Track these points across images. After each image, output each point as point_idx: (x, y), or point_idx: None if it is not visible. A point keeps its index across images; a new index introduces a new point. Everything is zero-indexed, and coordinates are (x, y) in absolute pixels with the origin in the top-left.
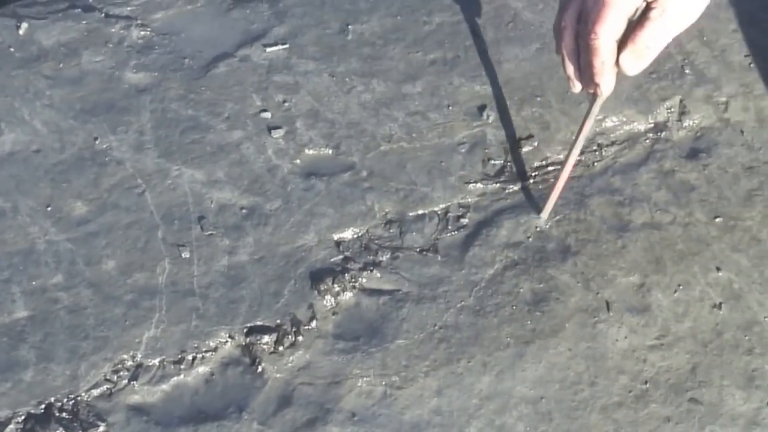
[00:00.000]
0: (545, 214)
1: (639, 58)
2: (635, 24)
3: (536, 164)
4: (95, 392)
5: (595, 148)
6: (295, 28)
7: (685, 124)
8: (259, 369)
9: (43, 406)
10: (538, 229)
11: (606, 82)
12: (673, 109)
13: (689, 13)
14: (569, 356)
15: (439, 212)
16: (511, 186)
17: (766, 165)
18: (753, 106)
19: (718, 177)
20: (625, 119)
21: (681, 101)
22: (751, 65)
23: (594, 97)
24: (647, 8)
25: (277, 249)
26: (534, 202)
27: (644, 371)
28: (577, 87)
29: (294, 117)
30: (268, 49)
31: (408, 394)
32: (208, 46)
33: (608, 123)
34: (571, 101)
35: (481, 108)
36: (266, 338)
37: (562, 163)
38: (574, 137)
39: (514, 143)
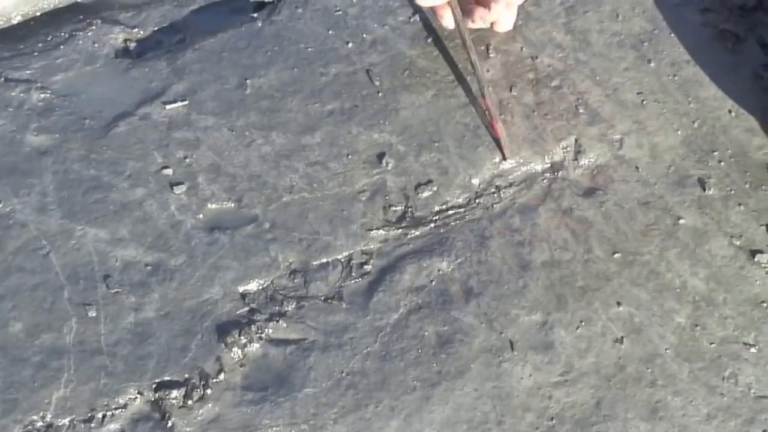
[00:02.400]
0: (509, 155)
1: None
2: None
3: (437, 209)
4: None
5: (493, 190)
6: (194, 84)
7: (581, 162)
8: (169, 424)
9: None
10: (440, 272)
11: None
12: (568, 149)
13: None
14: (475, 396)
15: (342, 260)
16: (412, 231)
17: (662, 200)
18: (647, 142)
19: (615, 213)
20: (522, 160)
21: (576, 140)
22: (644, 102)
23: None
24: None
25: (183, 304)
26: (436, 246)
27: (550, 408)
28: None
29: (195, 172)
30: (168, 107)
31: None
32: (108, 105)
33: (505, 165)
34: (469, 146)
35: (380, 156)
36: (175, 393)
37: (485, 101)
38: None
39: (413, 189)
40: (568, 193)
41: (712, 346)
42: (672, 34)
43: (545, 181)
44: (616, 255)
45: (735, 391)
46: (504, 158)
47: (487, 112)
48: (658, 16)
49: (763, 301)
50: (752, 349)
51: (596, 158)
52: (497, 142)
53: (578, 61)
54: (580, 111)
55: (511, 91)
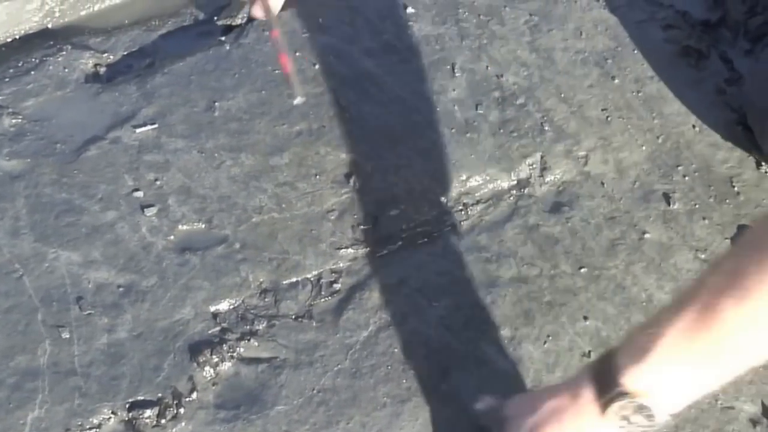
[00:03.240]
0: (299, 93)
1: None
2: None
3: (403, 227)
4: None
5: (461, 207)
6: (163, 107)
7: (547, 179)
8: None
9: None
10: (409, 289)
11: None
12: (534, 166)
13: None
14: (446, 413)
15: (312, 279)
16: (380, 250)
17: (627, 214)
18: (612, 158)
19: (581, 229)
20: (488, 178)
21: (542, 157)
22: (609, 119)
23: None
24: None
25: (155, 324)
26: (396, 265)
27: None
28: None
29: (166, 194)
30: (138, 130)
31: None
32: (79, 130)
33: (472, 182)
34: (436, 163)
35: (348, 175)
36: (148, 412)
37: (273, 33)
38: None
39: (381, 208)
40: (535, 209)
41: None
42: (635, 51)
43: (511, 198)
44: (582, 270)
45: (702, 402)
46: (294, 96)
47: (275, 45)
48: (621, 33)
49: None
50: None
51: (562, 174)
52: (287, 78)
53: (543, 79)
54: (546, 128)
55: (477, 109)
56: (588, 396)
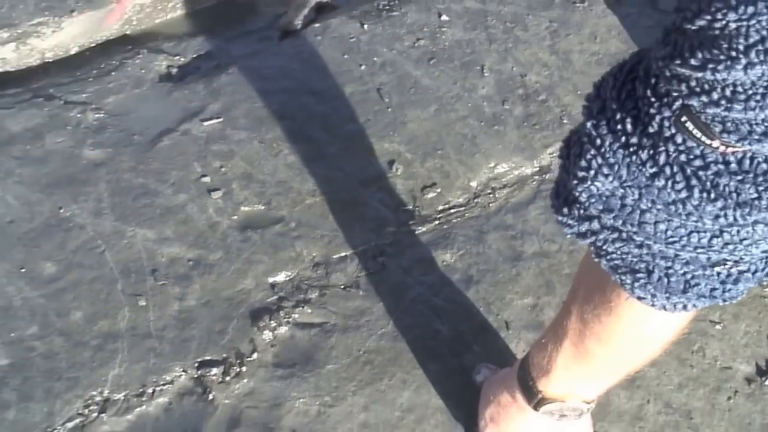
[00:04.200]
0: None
1: None
2: None
3: (440, 208)
4: (69, 425)
5: (489, 191)
6: (228, 103)
7: None
8: (210, 397)
9: None
10: (444, 263)
11: None
12: (554, 154)
13: None
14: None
15: (358, 253)
16: (419, 227)
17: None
18: None
19: None
20: (513, 165)
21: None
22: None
23: None
24: None
25: (220, 293)
26: (440, 240)
27: None
28: None
29: (230, 180)
30: (205, 123)
31: (339, 411)
32: (153, 123)
33: (499, 169)
34: (467, 153)
35: (391, 162)
36: (215, 370)
37: None
38: None
39: (420, 191)
40: None
41: None
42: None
43: (534, 182)
44: None
45: (703, 363)
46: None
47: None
48: (631, 37)
49: None
50: (717, 326)
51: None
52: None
53: (562, 78)
54: (565, 121)
55: (503, 104)
56: (521, 398)
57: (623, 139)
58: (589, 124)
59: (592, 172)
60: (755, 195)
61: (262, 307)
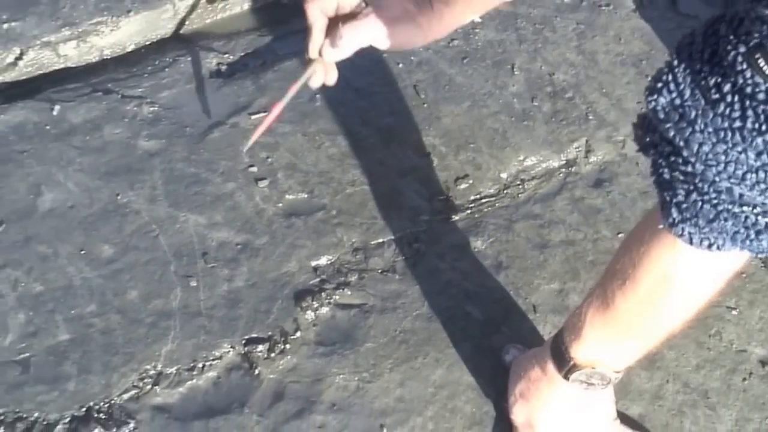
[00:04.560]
0: (246, 146)
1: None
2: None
3: (472, 198)
4: (125, 396)
5: (518, 182)
6: (274, 98)
7: (591, 159)
8: (256, 372)
9: (84, 409)
10: (476, 249)
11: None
12: (580, 148)
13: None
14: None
15: (395, 240)
16: (453, 216)
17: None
18: None
19: (619, 201)
20: (541, 158)
21: (587, 142)
22: (643, 110)
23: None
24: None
25: (266, 276)
26: (472, 228)
27: None
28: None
29: (276, 170)
30: (253, 117)
31: (376, 387)
32: (204, 116)
33: (528, 162)
34: (498, 146)
35: (426, 155)
36: (260, 347)
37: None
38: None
39: (453, 182)
40: (580, 184)
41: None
42: (666, 54)
43: (561, 174)
44: (620, 235)
45: (719, 346)
46: (245, 145)
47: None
48: (654, 39)
49: (742, 273)
50: (733, 312)
51: (603, 156)
52: (259, 126)
53: (588, 77)
54: (590, 117)
55: (532, 101)
56: (552, 368)
57: (697, 66)
58: (674, 51)
59: (660, 85)
60: None
61: (304, 288)
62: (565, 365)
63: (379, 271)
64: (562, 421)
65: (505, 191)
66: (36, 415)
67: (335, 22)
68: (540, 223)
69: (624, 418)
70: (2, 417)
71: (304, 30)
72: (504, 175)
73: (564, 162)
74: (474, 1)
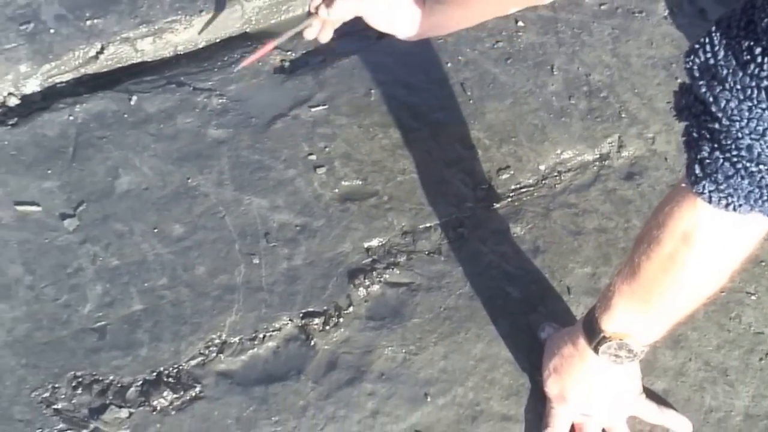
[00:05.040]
0: (237, 67)
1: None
2: None
3: (512, 187)
4: (192, 362)
5: (555, 174)
6: (332, 93)
7: (623, 154)
8: (312, 343)
9: (154, 373)
10: (515, 235)
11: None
12: (613, 144)
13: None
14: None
15: (441, 224)
16: (494, 204)
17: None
18: (674, 139)
19: (648, 193)
20: (577, 152)
21: (619, 138)
22: (672, 109)
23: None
24: None
25: (323, 255)
26: (512, 215)
27: None
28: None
29: (333, 158)
30: (313, 109)
31: (421, 359)
32: (268, 108)
33: (565, 155)
34: (537, 140)
35: (471, 147)
36: (316, 320)
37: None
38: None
39: (495, 172)
40: (613, 177)
41: (722, 294)
42: None
43: (595, 167)
44: None
45: (739, 328)
46: (237, 65)
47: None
48: (683, 44)
49: (762, 261)
50: (752, 297)
51: (634, 151)
52: (257, 52)
53: (621, 78)
54: (623, 115)
55: (569, 99)
56: (583, 343)
57: (733, 32)
58: (714, 22)
59: (697, 46)
60: None
61: (357, 267)
62: (595, 337)
63: (426, 252)
64: (592, 394)
65: (543, 182)
66: (111, 378)
67: None
68: (575, 212)
69: (649, 392)
70: (81, 379)
71: (361, 30)
72: (542, 167)
73: (598, 156)
74: (466, 10)
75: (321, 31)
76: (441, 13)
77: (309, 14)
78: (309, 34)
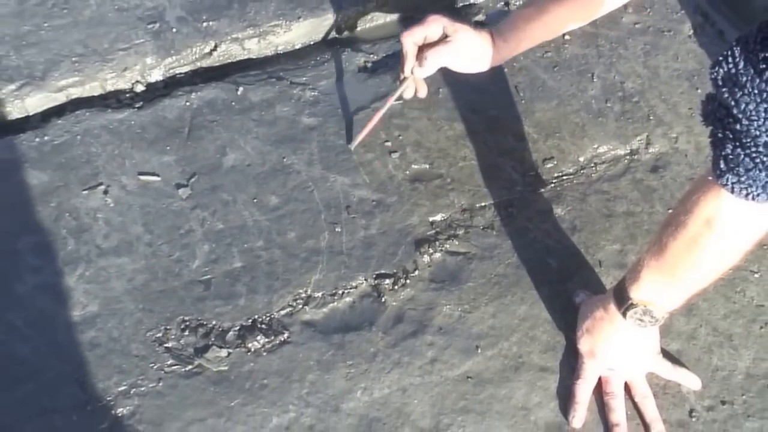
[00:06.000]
0: (353, 144)
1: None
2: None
3: (555, 175)
4: (282, 312)
5: (592, 165)
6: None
7: (650, 150)
8: (383, 300)
9: (250, 320)
10: (557, 215)
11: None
12: (642, 141)
13: (474, 62)
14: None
15: (494, 204)
16: (540, 188)
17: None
18: (693, 140)
19: (670, 184)
20: (611, 147)
21: (647, 136)
22: (692, 115)
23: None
24: (444, 36)
25: (394, 226)
26: (554, 199)
27: None
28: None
29: (405, 145)
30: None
31: (474, 317)
32: (353, 101)
33: (600, 150)
34: (578, 136)
35: (521, 139)
36: (387, 281)
37: (377, 111)
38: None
39: (541, 162)
40: (641, 169)
41: (730, 271)
42: None
43: (625, 161)
44: (669, 210)
45: (743, 300)
46: (352, 143)
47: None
48: (705, 59)
49: (764, 244)
50: (756, 275)
51: (659, 148)
52: (367, 128)
53: (651, 86)
54: (651, 118)
55: (606, 103)
56: (613, 308)
57: (750, 46)
58: (735, 40)
59: (720, 58)
60: None
61: (423, 238)
62: (624, 304)
63: (481, 227)
64: (618, 351)
65: (581, 171)
66: (213, 323)
67: (422, 50)
68: (607, 198)
69: (665, 352)
70: (188, 323)
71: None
72: (581, 159)
73: (628, 151)
74: (524, 41)
75: (418, 88)
76: (506, 47)
77: (403, 78)
78: (408, 95)
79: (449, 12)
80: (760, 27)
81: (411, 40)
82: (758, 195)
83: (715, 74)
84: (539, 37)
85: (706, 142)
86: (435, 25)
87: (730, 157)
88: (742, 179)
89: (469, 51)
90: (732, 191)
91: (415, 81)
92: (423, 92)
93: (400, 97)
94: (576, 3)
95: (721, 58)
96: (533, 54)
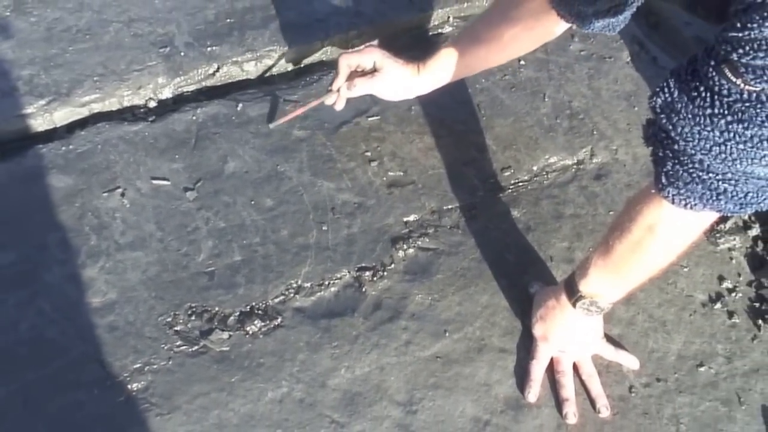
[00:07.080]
0: (273, 125)
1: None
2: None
3: (512, 182)
4: (276, 300)
5: (544, 173)
6: (384, 107)
7: (594, 161)
8: (363, 290)
9: (248, 307)
10: (513, 216)
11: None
12: (587, 153)
13: (398, 93)
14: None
15: (460, 207)
16: (499, 193)
17: (638, 183)
18: (631, 151)
19: (612, 189)
20: (560, 158)
21: (591, 149)
22: (630, 130)
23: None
24: (374, 69)
25: (372, 226)
26: (511, 202)
27: None
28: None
29: (383, 155)
30: (369, 119)
31: (443, 305)
32: (337, 116)
33: (551, 160)
34: (531, 148)
35: (483, 151)
36: (367, 273)
37: (300, 107)
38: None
39: (500, 170)
40: (586, 177)
41: None
42: (648, 92)
43: (573, 170)
44: (611, 212)
45: (675, 291)
46: (272, 122)
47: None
48: (640, 82)
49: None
50: (685, 269)
51: (602, 159)
52: (292, 112)
53: (594, 105)
54: (594, 133)
55: (556, 119)
56: (564, 299)
57: (683, 77)
58: (669, 72)
59: (657, 89)
60: (755, 114)
61: (398, 236)
62: (573, 295)
63: (448, 227)
64: (567, 336)
65: (534, 179)
66: (216, 309)
67: (354, 74)
68: (557, 201)
69: (608, 337)
70: (194, 309)
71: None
72: (535, 168)
73: (575, 161)
74: (446, 78)
75: (338, 101)
76: (432, 79)
77: (329, 91)
78: (329, 101)
79: (420, 39)
80: (690, 61)
81: (346, 62)
82: (695, 205)
83: (654, 103)
84: (460, 74)
85: (643, 153)
86: (369, 57)
87: (670, 173)
88: (681, 192)
89: (394, 84)
90: (672, 202)
91: (339, 95)
92: (340, 106)
93: (322, 103)
94: (493, 46)
95: (658, 89)
96: (493, 77)
